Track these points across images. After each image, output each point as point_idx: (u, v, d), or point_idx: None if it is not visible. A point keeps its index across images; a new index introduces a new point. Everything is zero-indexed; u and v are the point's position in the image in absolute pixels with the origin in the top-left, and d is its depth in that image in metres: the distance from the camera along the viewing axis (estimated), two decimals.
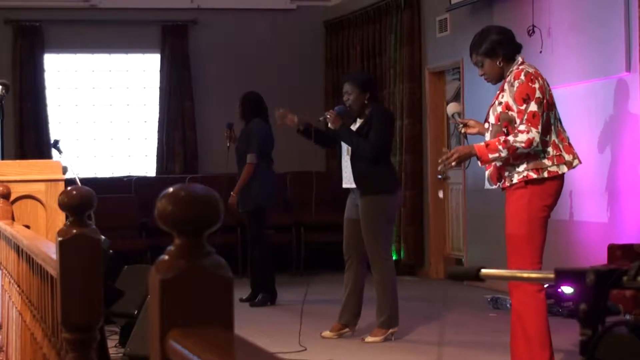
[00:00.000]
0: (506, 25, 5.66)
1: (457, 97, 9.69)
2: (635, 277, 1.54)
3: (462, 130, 5.23)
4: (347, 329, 6.72)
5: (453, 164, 4.94)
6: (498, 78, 5.02)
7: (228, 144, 8.61)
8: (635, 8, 6.74)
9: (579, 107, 7.25)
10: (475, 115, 8.47)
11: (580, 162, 4.98)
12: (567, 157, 4.89)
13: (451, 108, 5.45)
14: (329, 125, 6.59)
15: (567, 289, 1.60)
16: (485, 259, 8.38)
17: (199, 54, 11.57)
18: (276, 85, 11.59)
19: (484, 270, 1.93)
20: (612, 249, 6.52)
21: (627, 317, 5.79)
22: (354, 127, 6.64)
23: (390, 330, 6.57)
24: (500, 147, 4.74)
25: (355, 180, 6.53)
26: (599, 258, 6.58)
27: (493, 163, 4.89)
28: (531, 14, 7.87)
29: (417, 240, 10.11)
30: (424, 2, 10.02)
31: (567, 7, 7.58)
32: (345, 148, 6.63)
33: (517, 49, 5.02)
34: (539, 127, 4.76)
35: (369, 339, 6.54)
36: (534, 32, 7.72)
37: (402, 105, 10.17)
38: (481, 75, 5.10)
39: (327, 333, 6.70)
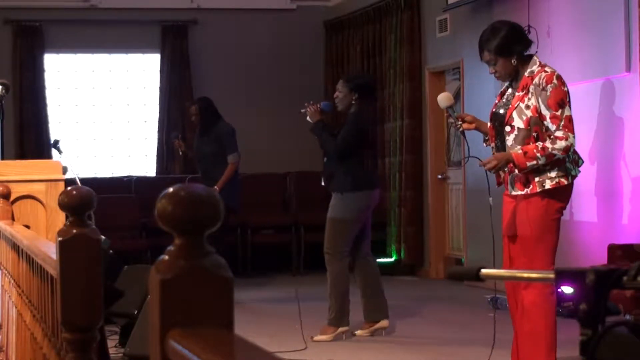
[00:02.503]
0: None
1: (456, 97, 9.69)
2: (635, 277, 1.54)
3: (460, 128, 5.12)
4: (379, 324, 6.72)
5: (492, 171, 4.83)
6: (510, 76, 4.88)
7: (181, 152, 8.86)
8: (635, 8, 6.74)
9: (579, 107, 7.23)
10: (475, 116, 8.47)
11: (583, 160, 4.96)
12: (575, 158, 4.87)
13: (443, 100, 5.21)
14: (307, 118, 6.64)
15: (567, 289, 1.60)
16: (485, 259, 8.38)
17: (199, 54, 11.57)
18: (276, 85, 11.60)
19: (484, 270, 1.93)
20: (612, 249, 6.52)
21: (627, 317, 5.79)
22: None
23: (340, 329, 6.56)
24: (538, 154, 4.64)
25: (324, 177, 6.66)
26: (599, 258, 6.58)
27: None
28: (527, 14, 7.87)
29: (417, 240, 10.11)
30: (423, 2, 10.02)
31: (567, 7, 7.58)
32: None
33: (529, 44, 4.89)
34: (574, 130, 4.71)
35: (317, 337, 6.53)
36: (529, 32, 7.71)
37: (402, 105, 10.17)
38: (492, 73, 4.94)
39: (359, 332, 6.70)
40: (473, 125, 5.07)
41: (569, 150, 4.69)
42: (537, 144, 4.69)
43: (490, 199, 5.33)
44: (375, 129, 7.25)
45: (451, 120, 5.15)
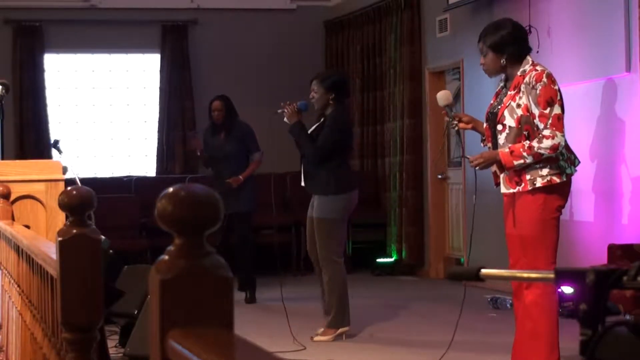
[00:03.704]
0: None
1: (456, 97, 9.69)
2: (635, 277, 1.54)
3: (456, 127, 5.14)
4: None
5: (477, 168, 4.89)
6: (496, 73, 4.96)
7: (198, 152, 8.67)
8: (635, 8, 6.74)
9: (579, 107, 7.25)
10: (475, 116, 8.47)
11: (579, 161, 4.97)
12: (572, 157, 4.88)
13: (442, 98, 5.21)
14: (285, 119, 6.61)
15: (567, 289, 1.60)
16: (486, 259, 8.38)
17: (199, 54, 11.57)
18: (276, 85, 11.59)
19: (484, 270, 1.93)
20: (612, 249, 6.51)
21: (627, 317, 5.78)
22: (315, 125, 6.68)
23: (340, 330, 6.56)
24: (524, 153, 4.67)
25: (304, 178, 6.63)
26: (599, 258, 6.58)
27: None
28: (528, 14, 7.87)
29: (417, 240, 10.11)
30: (424, 2, 10.02)
31: (567, 7, 7.58)
32: None
33: (525, 50, 4.90)
34: (564, 129, 4.71)
35: (317, 338, 6.54)
36: (530, 31, 7.71)
37: (402, 105, 10.17)
38: (481, 65, 5.00)
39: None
40: (470, 126, 5.10)
41: (557, 149, 4.69)
42: (524, 142, 4.72)
43: (474, 196, 5.38)
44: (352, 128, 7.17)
45: (447, 118, 5.17)
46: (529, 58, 4.88)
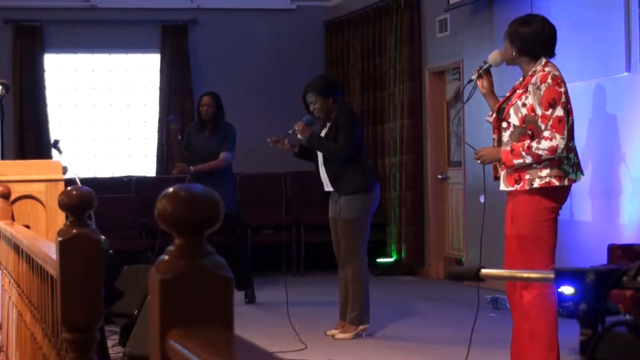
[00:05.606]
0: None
1: (456, 97, 9.69)
2: (635, 277, 1.54)
3: (474, 80, 5.03)
4: None
5: (479, 162, 4.92)
6: (508, 62, 4.96)
7: (180, 136, 8.45)
8: (635, 8, 6.74)
9: (579, 107, 7.24)
10: (473, 117, 8.50)
11: (583, 174, 4.96)
12: (580, 165, 4.88)
13: (494, 58, 5.07)
14: (298, 136, 6.72)
15: (567, 289, 1.60)
16: (485, 259, 8.38)
17: (199, 54, 11.57)
18: (276, 85, 11.60)
19: (484, 270, 1.93)
20: (612, 249, 6.51)
21: (627, 317, 5.78)
22: (324, 131, 6.76)
23: (361, 327, 6.65)
24: (523, 153, 4.68)
25: (331, 182, 6.66)
26: (599, 258, 6.58)
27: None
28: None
29: (417, 240, 10.11)
30: (424, 2, 10.02)
31: (567, 6, 7.58)
32: (320, 154, 6.74)
33: (541, 52, 4.85)
34: (565, 132, 4.67)
35: (339, 335, 6.61)
36: None
37: (402, 105, 10.17)
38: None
39: (332, 331, 6.71)
40: (484, 90, 5.05)
41: (556, 151, 4.67)
42: (524, 142, 4.72)
43: (482, 196, 5.37)
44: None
45: (481, 67, 5.05)
46: (543, 59, 4.85)
